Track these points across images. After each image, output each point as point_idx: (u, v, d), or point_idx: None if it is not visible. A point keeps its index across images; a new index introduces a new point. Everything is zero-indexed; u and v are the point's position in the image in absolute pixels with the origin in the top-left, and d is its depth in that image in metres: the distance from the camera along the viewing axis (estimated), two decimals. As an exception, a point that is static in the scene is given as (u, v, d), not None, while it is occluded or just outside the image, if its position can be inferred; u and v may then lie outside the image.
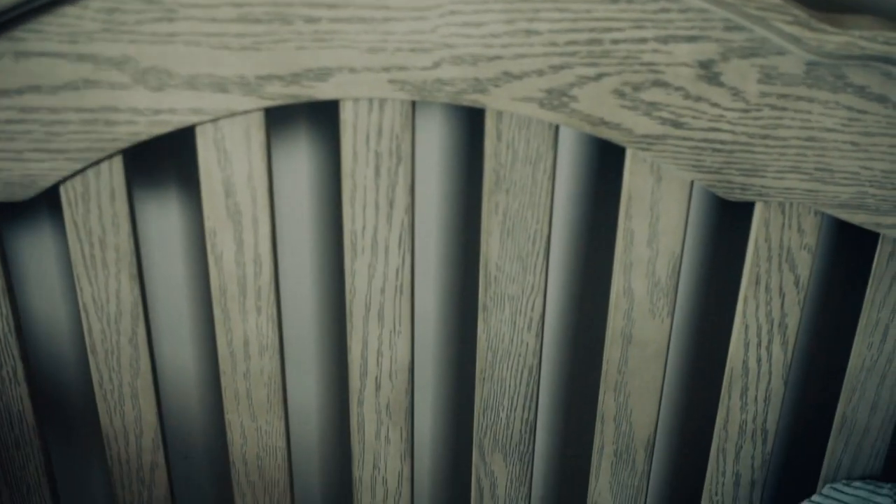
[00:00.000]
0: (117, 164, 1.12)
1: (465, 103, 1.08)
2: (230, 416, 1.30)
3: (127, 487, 1.33)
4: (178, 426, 1.43)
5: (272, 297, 1.20)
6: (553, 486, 1.51)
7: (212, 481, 1.49)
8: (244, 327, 1.22)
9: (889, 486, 1.28)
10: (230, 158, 1.12)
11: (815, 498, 1.32)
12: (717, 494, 1.39)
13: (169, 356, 1.39)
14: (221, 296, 1.20)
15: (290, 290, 1.35)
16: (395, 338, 1.24)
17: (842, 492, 1.30)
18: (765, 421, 1.33)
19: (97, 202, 1.13)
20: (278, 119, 1.26)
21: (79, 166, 1.10)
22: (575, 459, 1.48)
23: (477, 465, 1.35)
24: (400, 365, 1.26)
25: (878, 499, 1.27)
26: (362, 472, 1.35)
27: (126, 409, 1.27)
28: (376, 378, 1.27)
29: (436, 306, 1.38)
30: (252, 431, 1.31)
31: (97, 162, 1.11)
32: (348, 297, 1.20)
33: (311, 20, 1.02)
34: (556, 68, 1.05)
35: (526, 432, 1.33)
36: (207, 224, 1.15)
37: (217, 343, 1.24)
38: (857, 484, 1.31)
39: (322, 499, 1.51)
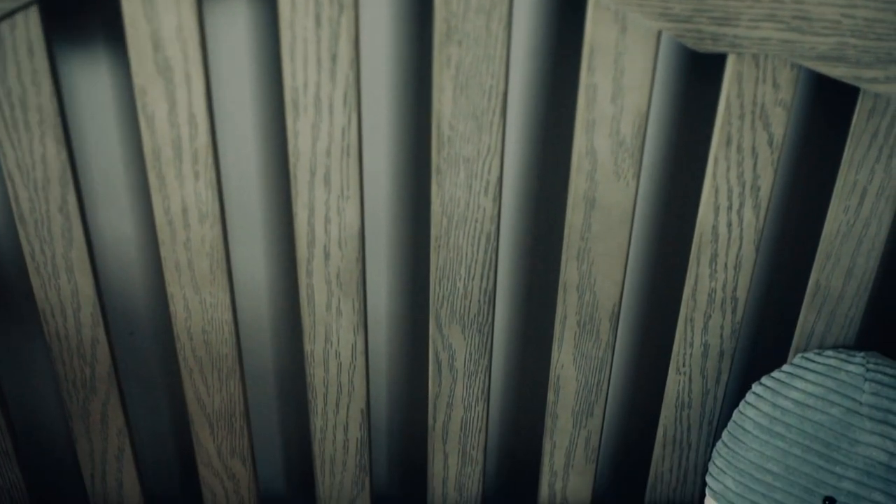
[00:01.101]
0: (33, 15, 1.07)
1: (411, -56, 1.03)
2: (172, 288, 1.29)
3: (68, 364, 1.34)
4: (120, 301, 1.43)
5: (210, 160, 1.18)
6: (514, 358, 1.53)
7: (159, 358, 1.50)
8: (182, 193, 1.20)
9: (862, 354, 1.30)
10: (157, 9, 1.07)
11: (785, 368, 1.35)
12: (684, 366, 1.42)
13: (105, 226, 1.38)
14: (156, 160, 1.18)
15: (230, 153, 1.33)
16: (342, 203, 1.22)
17: (813, 361, 1.33)
18: (735, 289, 1.34)
19: (14, 58, 1.09)
20: (211, -35, 1.21)
21: (-13, 17, 1.05)
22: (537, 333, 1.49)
23: (434, 338, 1.36)
24: (349, 232, 1.25)
25: (850, 367, 1.29)
26: (314, 346, 1.36)
27: (61, 283, 1.26)
28: (325, 246, 1.26)
29: (387, 169, 1.36)
30: (196, 304, 1.31)
31: (11, 13, 1.06)
32: (291, 160, 1.18)
33: None
34: None
35: (485, 303, 1.33)
36: (136, 81, 1.12)
37: (154, 211, 1.22)
38: (829, 353, 1.33)
39: (274, 375, 1.53)
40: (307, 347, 1.36)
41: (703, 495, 1.53)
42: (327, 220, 1.23)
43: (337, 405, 1.41)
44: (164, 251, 1.26)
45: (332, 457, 1.47)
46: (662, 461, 1.52)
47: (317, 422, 1.44)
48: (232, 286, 1.31)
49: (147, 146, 1.16)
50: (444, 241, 1.28)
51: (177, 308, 1.31)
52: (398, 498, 1.67)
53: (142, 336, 1.48)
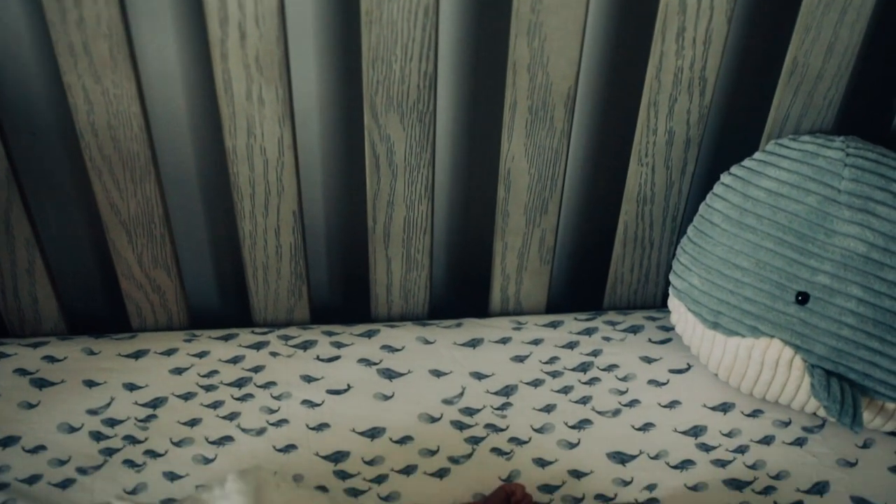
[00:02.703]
0: None
1: None
2: (68, 77, 1.19)
3: (-43, 167, 1.23)
4: (14, 96, 1.30)
5: (94, -81, 1.03)
6: (460, 151, 1.44)
7: (66, 161, 1.39)
8: (65, -38, 1.06)
9: (841, 139, 1.24)
10: None
11: (757, 156, 1.29)
12: (646, 156, 1.34)
13: (-14, 8, 1.23)
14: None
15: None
16: (256, -29, 1.09)
17: (788, 147, 1.26)
18: (703, 68, 1.26)
19: None
20: None
21: None
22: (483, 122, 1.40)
23: (370, 129, 1.27)
24: (267, 7, 1.13)
25: (829, 153, 1.22)
26: (235, 140, 1.26)
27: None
28: (239, 24, 1.15)
29: (309, -68, 1.22)
30: (97, 95, 1.20)
31: None
32: (191, -83, 1.04)
33: None
34: None
35: (425, 88, 1.24)
36: None
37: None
38: (806, 138, 1.27)
39: (195, 176, 1.43)
40: (228, 143, 1.27)
41: (665, 296, 1.50)
42: (240, -8, 1.11)
43: (266, 207, 1.34)
44: (55, 33, 1.14)
45: (264, 264, 1.41)
46: (622, 261, 1.48)
47: (245, 226, 1.36)
48: (137, 74, 1.20)
49: None
50: (377, 15, 1.16)
51: (76, 100, 1.20)
52: (340, 308, 1.62)
53: (44, 136, 1.36)
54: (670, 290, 1.35)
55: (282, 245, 1.38)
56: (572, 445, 1.25)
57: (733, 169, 1.29)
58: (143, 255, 1.37)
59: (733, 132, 1.47)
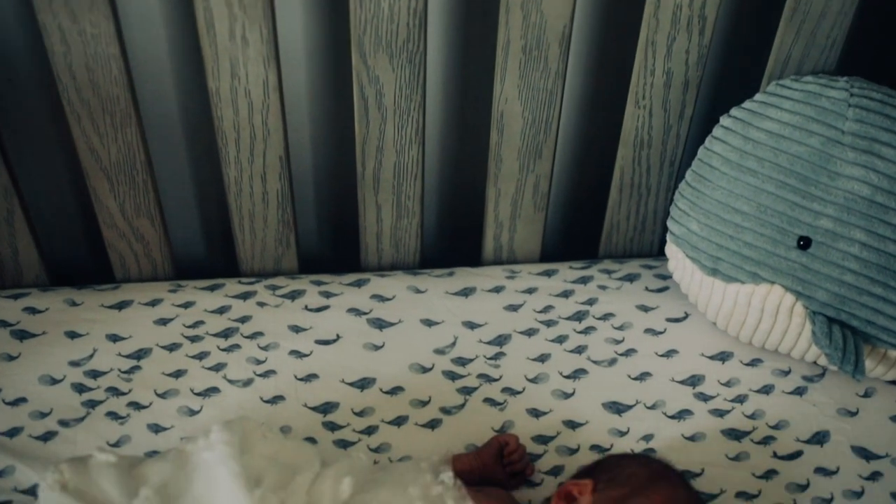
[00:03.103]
0: None
1: None
2: (44, 17, 1.15)
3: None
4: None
5: None
6: (452, 94, 1.41)
7: (44, 107, 1.35)
8: None
9: (845, 79, 1.20)
10: None
11: (758, 97, 1.26)
12: (644, 98, 1.32)
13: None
14: None
15: None
16: None
17: (790, 88, 1.23)
18: (703, 6, 1.23)
19: None
20: None
21: None
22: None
23: (358, 71, 1.24)
24: (248, -60, 1.09)
25: (832, 93, 1.19)
26: (219, 83, 1.23)
27: None
28: (220, -41, 1.10)
29: None
30: (74, 36, 1.17)
31: None
32: None
33: None
34: None
35: (415, 26, 1.20)
36: None
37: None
38: (809, 79, 1.24)
39: (179, 121, 1.40)
40: (211, 85, 1.23)
41: (662, 244, 1.47)
42: (219, -76, 1.07)
43: (251, 152, 1.30)
44: (26, -30, 1.09)
45: (250, 212, 1.38)
46: (618, 208, 1.45)
47: (230, 172, 1.33)
48: (116, 13, 1.16)
49: None
50: (364, -52, 1.12)
51: (52, 42, 1.17)
52: (329, 258, 1.60)
53: (21, 82, 1.32)
54: (668, 237, 1.32)
55: (268, 192, 1.35)
56: (567, 395, 1.23)
57: (733, 111, 1.26)
58: (125, 204, 1.33)
59: (733, 73, 1.43)
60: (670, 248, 1.32)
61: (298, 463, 0.97)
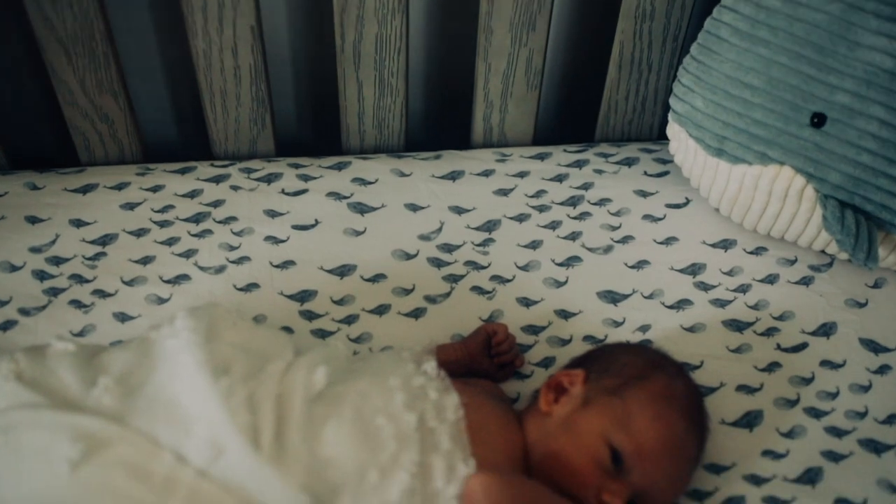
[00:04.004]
0: None
1: None
2: None
3: None
4: None
5: None
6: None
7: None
8: None
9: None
10: None
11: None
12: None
13: None
14: None
15: None
16: None
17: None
18: None
19: None
20: None
21: None
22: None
23: (335, -71, 1.14)
24: None
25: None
26: (182, -58, 1.13)
27: None
28: None
29: None
30: None
31: None
32: None
33: None
34: None
35: None
36: None
37: None
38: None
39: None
40: (174, -56, 1.14)
41: (663, 126, 1.42)
42: None
43: (220, 21, 1.23)
44: None
45: (221, 89, 1.31)
46: (617, 87, 1.39)
47: (198, 45, 1.25)
48: None
49: None
50: None
51: None
52: (308, 142, 1.53)
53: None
54: (670, 116, 1.26)
55: (240, 66, 1.27)
56: (560, 284, 1.19)
57: (745, -22, 1.17)
58: (85, 79, 1.26)
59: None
60: (672, 128, 1.26)
61: (270, 352, 0.91)
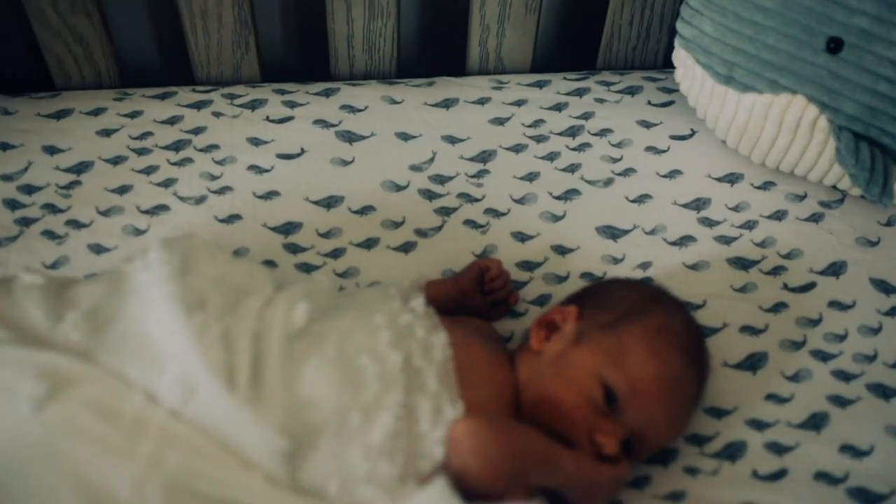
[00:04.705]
0: None
1: None
2: None
3: None
4: None
5: None
6: None
7: None
8: None
9: None
10: None
11: None
12: None
13: None
14: None
15: None
16: None
17: None
18: None
19: None
20: None
21: None
22: None
23: None
24: None
25: None
26: None
27: None
28: None
29: None
30: None
31: None
32: None
33: None
34: None
35: None
36: None
37: None
38: None
39: None
40: None
41: (668, 54, 1.37)
42: None
43: (200, -65, 1.17)
44: None
45: (202, 9, 1.27)
46: (620, 11, 1.35)
47: (176, -39, 1.19)
48: None
49: None
50: None
51: None
52: (295, 66, 1.49)
53: None
54: (676, 41, 1.21)
55: (223, -14, 1.23)
56: (557, 218, 1.16)
57: None
58: (57, -3, 1.22)
59: None
60: (679, 55, 1.21)
61: (249, 286, 0.87)
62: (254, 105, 1.28)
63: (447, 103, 1.30)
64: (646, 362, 0.86)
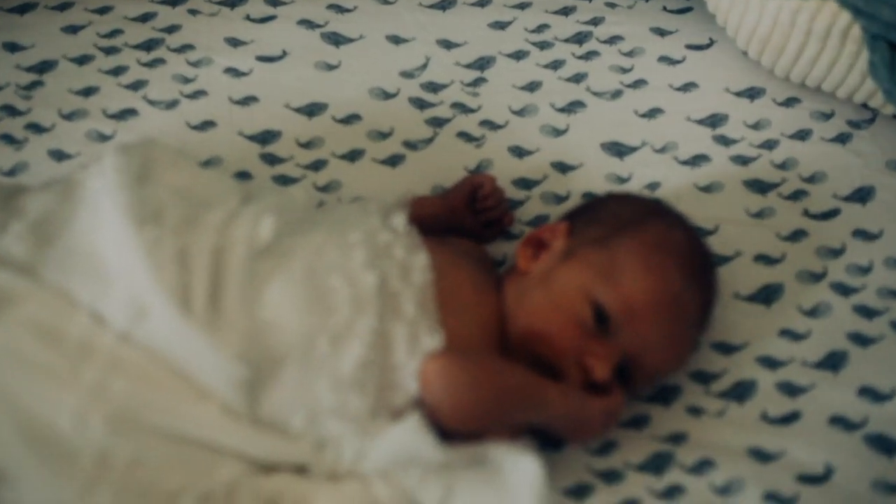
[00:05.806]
0: None
1: None
2: None
3: None
4: None
5: None
6: None
7: None
8: None
9: None
10: None
11: None
12: None
13: None
14: None
15: None
16: None
17: None
18: None
19: None
20: None
21: None
22: None
23: None
24: None
25: None
26: None
27: None
28: None
29: None
30: None
31: None
32: None
33: None
34: None
35: None
36: None
37: None
38: None
39: None
40: None
41: None
42: None
43: None
44: None
45: None
46: None
47: None
48: None
49: None
50: None
51: None
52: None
53: None
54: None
55: None
56: (559, 132, 1.12)
57: None
58: None
59: None
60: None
61: (213, 198, 0.82)
62: (233, 3, 1.25)
63: (444, 4, 1.26)
64: (640, 278, 0.81)
